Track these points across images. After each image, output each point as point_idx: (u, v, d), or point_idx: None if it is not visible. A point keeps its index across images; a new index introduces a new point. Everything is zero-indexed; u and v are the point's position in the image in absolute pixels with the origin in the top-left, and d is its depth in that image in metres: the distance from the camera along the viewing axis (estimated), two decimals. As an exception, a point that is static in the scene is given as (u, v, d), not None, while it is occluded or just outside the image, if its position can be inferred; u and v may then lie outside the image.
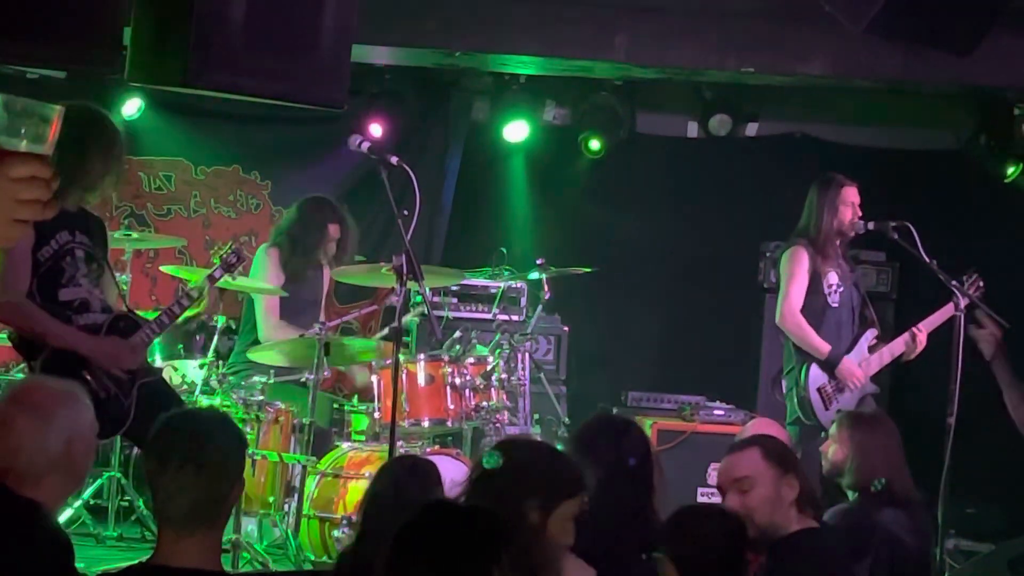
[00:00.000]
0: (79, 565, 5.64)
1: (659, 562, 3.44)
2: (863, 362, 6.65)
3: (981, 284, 6.65)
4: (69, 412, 3.38)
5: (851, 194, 6.70)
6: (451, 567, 2.58)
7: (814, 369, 6.60)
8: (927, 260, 6.51)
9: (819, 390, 6.59)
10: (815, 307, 6.64)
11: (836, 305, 6.67)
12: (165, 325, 5.45)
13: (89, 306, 5.29)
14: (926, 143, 8.87)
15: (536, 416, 6.89)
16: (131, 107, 7.87)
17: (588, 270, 7.44)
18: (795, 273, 6.63)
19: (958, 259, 6.69)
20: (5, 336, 6.35)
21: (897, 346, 6.71)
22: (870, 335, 6.76)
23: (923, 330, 6.65)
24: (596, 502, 3.56)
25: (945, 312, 6.59)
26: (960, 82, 7.34)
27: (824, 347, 6.58)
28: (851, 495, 4.95)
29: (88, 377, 5.20)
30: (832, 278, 6.67)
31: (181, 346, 7.25)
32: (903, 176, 8.56)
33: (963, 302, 6.33)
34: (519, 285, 7.77)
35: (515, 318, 7.53)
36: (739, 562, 3.54)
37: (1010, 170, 8.29)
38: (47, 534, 3.29)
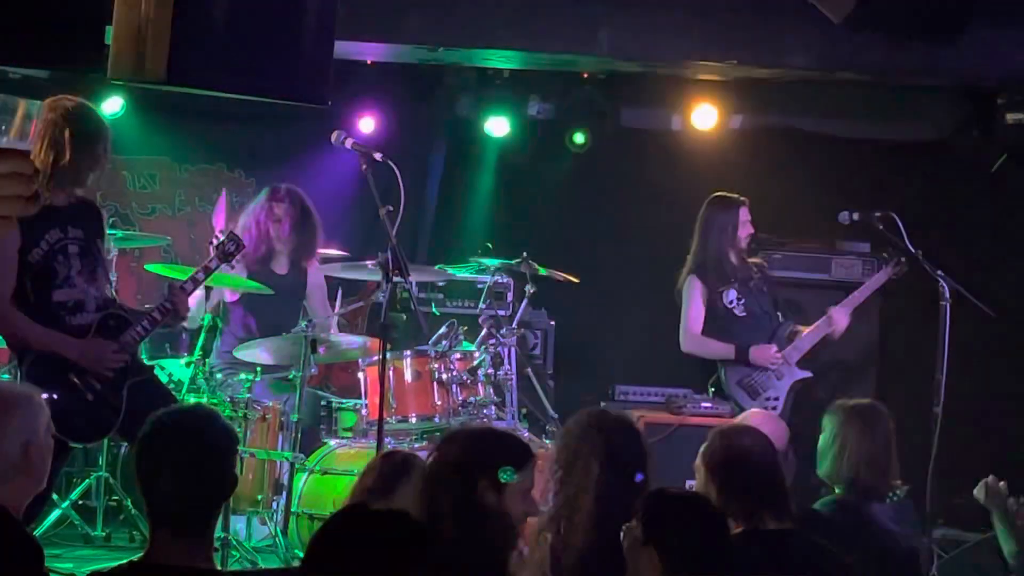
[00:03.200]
0: (68, 566, 5.68)
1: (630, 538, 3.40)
2: (788, 350, 6.90)
3: (903, 260, 6.85)
4: (24, 416, 3.37)
5: (740, 213, 6.97)
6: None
7: (729, 369, 6.95)
8: (912, 251, 6.53)
9: (739, 383, 6.91)
10: (721, 322, 6.98)
11: (743, 314, 6.98)
12: (157, 322, 5.36)
13: (84, 306, 5.25)
14: (910, 134, 8.87)
15: (523, 411, 6.89)
16: (114, 105, 7.83)
17: (573, 280, 7.50)
18: (690, 304, 7.01)
19: (943, 249, 6.70)
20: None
21: (821, 327, 6.93)
22: (786, 327, 7.02)
23: (842, 310, 6.89)
24: (590, 497, 3.57)
25: (869, 287, 6.90)
26: (943, 73, 7.35)
27: (727, 348, 6.92)
28: (838, 489, 4.96)
29: (74, 379, 5.17)
30: (730, 295, 6.98)
31: (167, 344, 7.23)
32: (887, 167, 8.56)
33: (947, 291, 6.36)
34: (505, 280, 7.78)
35: (502, 312, 7.52)
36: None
37: (994, 160, 8.30)
38: (16, 538, 3.28)
